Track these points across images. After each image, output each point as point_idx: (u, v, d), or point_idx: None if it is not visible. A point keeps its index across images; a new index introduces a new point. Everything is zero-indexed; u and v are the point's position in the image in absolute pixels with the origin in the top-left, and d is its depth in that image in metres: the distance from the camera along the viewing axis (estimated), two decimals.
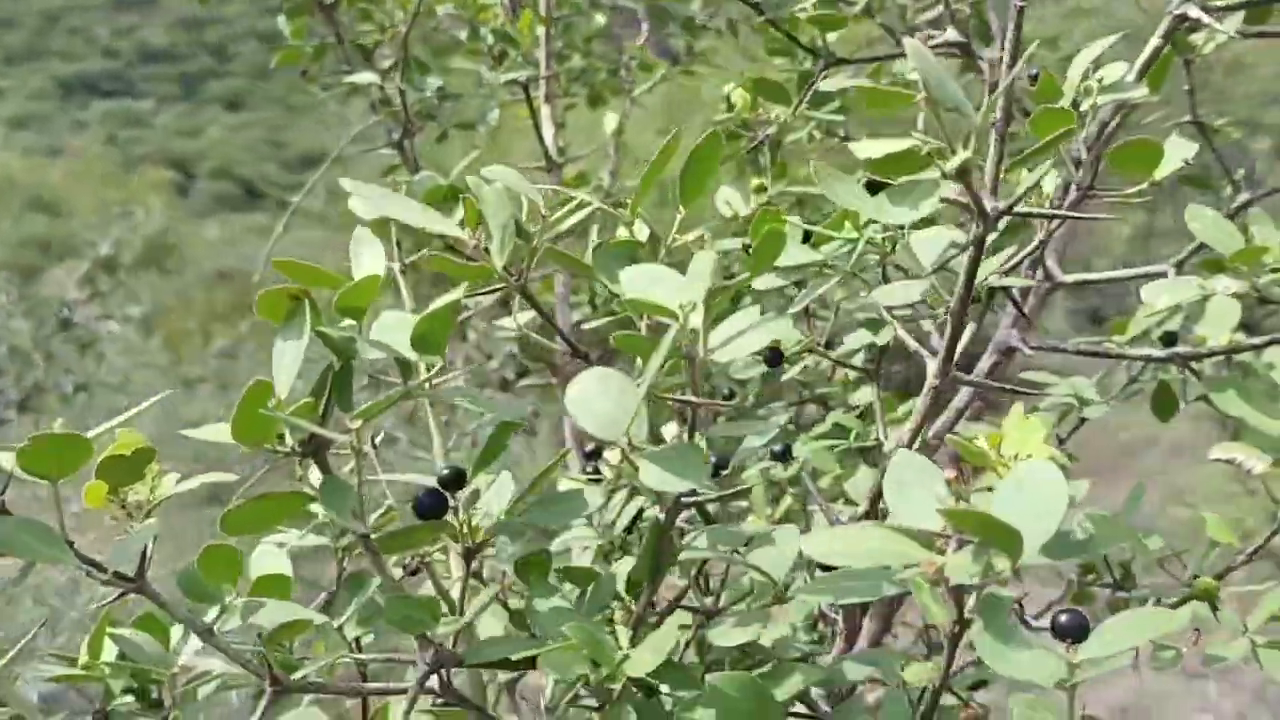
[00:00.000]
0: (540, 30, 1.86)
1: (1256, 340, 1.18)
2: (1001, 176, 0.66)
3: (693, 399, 0.60)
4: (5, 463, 0.65)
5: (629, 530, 0.79)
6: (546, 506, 0.71)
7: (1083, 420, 1.37)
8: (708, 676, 0.59)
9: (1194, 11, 1.12)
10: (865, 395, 1.21)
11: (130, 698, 1.00)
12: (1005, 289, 1.11)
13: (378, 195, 0.65)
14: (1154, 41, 1.14)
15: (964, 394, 1.31)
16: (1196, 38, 1.28)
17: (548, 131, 1.90)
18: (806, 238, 0.94)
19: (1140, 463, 10.76)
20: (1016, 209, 0.64)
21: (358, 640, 0.76)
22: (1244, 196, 1.34)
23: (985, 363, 1.26)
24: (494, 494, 0.73)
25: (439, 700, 0.68)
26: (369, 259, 0.67)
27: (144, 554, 0.68)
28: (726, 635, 0.62)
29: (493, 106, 1.72)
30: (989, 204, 0.64)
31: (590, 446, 1.14)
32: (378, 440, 0.90)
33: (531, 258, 0.67)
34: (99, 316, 6.82)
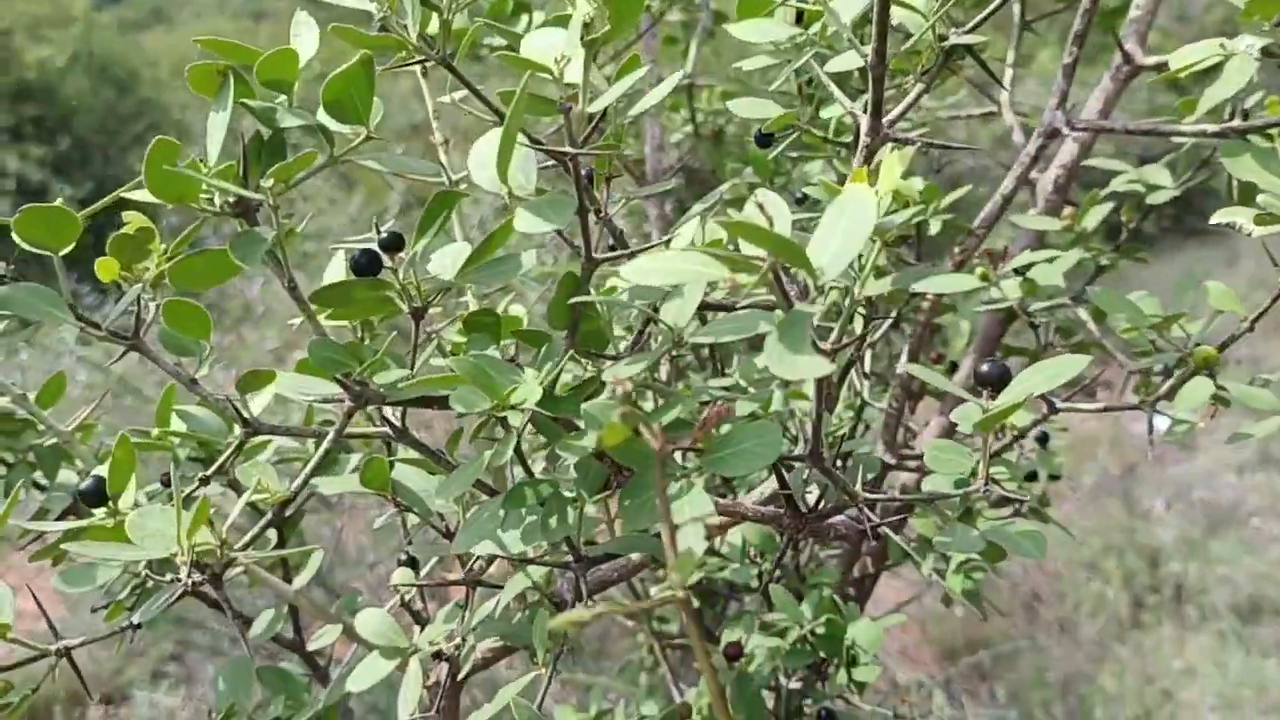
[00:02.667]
0: None
1: None
2: None
3: (567, 149, 0.64)
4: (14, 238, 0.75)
5: None
6: (488, 267, 0.77)
7: (1149, 209, 1.32)
8: (583, 405, 0.65)
9: None
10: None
11: (198, 465, 1.15)
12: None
13: None
14: None
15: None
16: None
17: None
18: (799, 18, 0.94)
19: None
20: None
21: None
22: None
23: (1030, 147, 1.23)
24: (448, 258, 0.79)
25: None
26: (305, 39, 0.73)
27: (139, 314, 0.78)
28: (616, 371, 0.67)
29: None
30: None
31: None
32: None
33: (448, 31, 0.71)
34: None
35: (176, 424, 0.99)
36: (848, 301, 0.63)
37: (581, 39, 0.63)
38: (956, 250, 1.26)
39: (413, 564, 1.02)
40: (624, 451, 0.62)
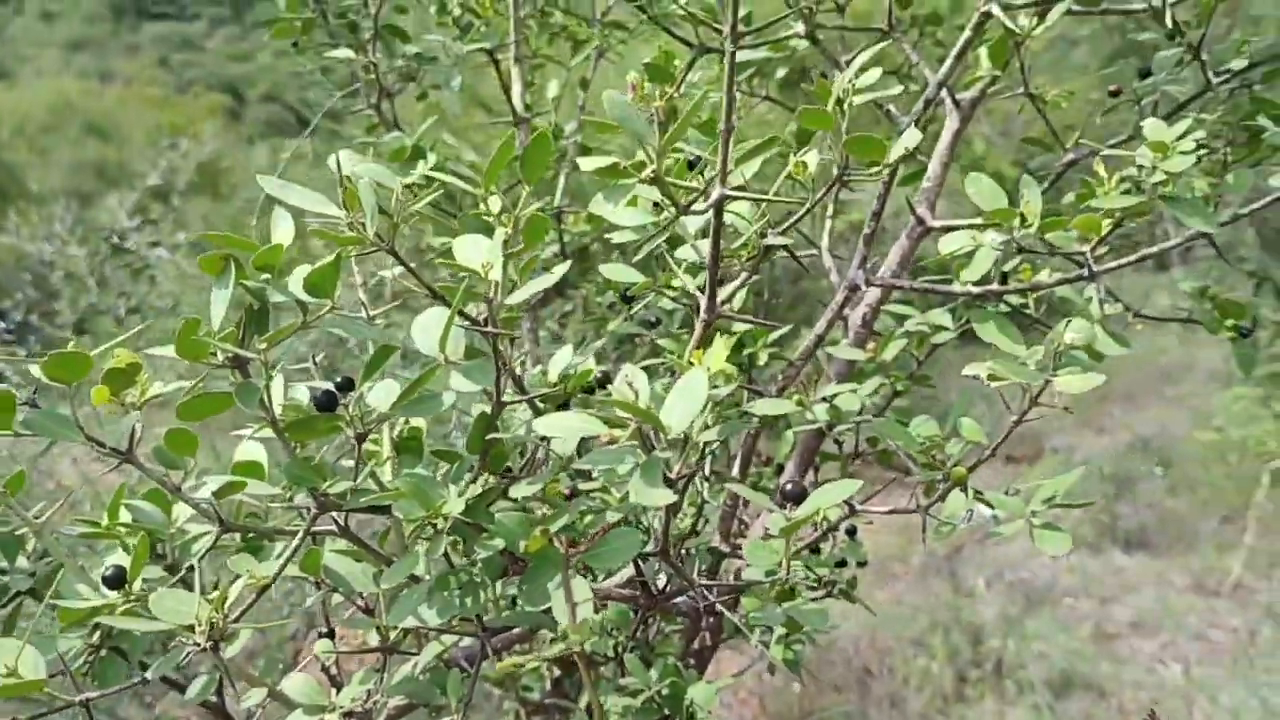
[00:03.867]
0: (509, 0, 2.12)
1: (1049, 280, 1.45)
2: (730, 167, 0.93)
3: (489, 329, 0.89)
4: (36, 372, 0.95)
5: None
6: (414, 404, 1.00)
7: (935, 346, 1.64)
8: (497, 515, 0.88)
9: (995, 9, 1.37)
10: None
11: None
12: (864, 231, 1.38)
13: (280, 185, 0.93)
14: (966, 34, 1.39)
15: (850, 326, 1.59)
16: (1023, 24, 1.51)
17: (516, 89, 2.17)
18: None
19: (1176, 388, 10.97)
20: (729, 192, 0.91)
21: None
22: (1069, 156, 1.59)
23: (839, 296, 1.52)
24: (382, 395, 1.02)
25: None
26: (283, 231, 0.96)
27: (132, 434, 0.98)
28: (520, 489, 0.91)
29: (456, 74, 1.98)
30: (716, 191, 0.92)
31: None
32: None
33: (394, 230, 0.95)
34: (150, 243, 7.18)
35: (125, 516, 1.19)
36: (688, 445, 0.89)
37: (502, 251, 0.88)
38: (780, 376, 1.55)
39: (331, 636, 1.23)
40: (537, 555, 0.87)
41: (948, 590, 7.26)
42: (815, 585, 1.65)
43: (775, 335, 1.53)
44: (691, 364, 0.89)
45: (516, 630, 1.05)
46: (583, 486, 1.11)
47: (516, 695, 1.80)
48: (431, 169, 1.49)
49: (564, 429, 0.78)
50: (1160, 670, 6.45)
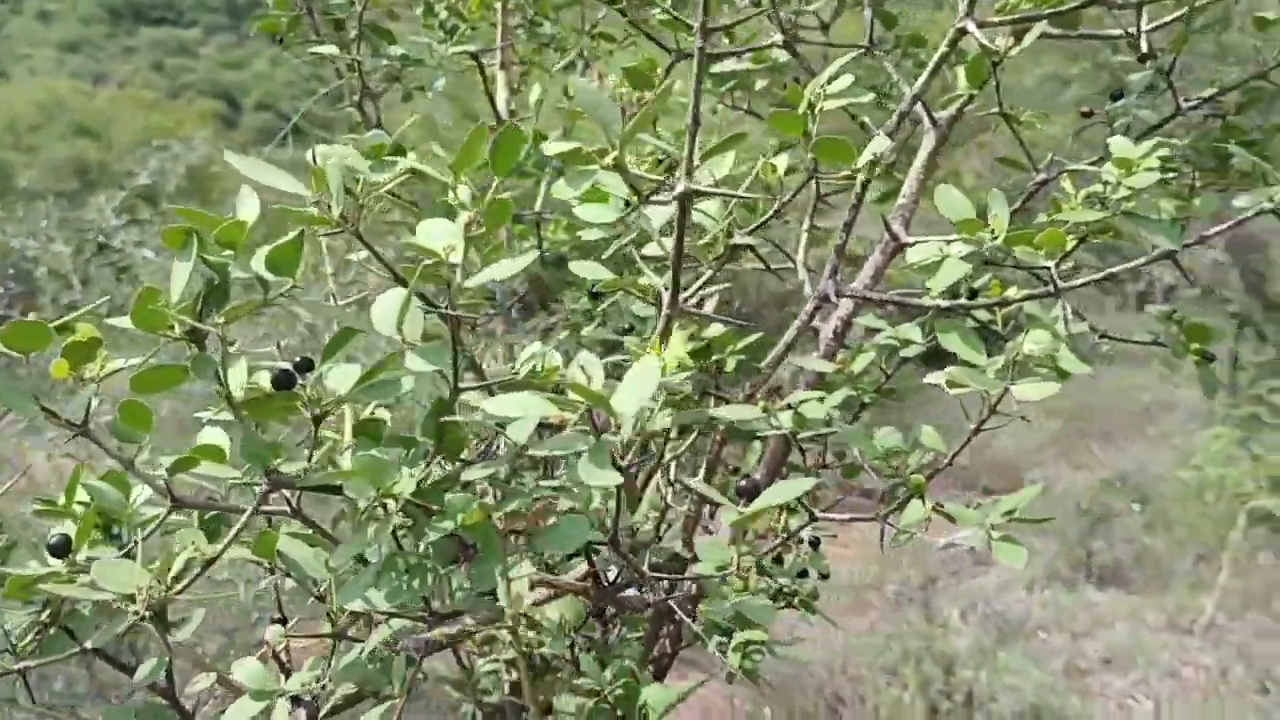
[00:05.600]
0: (497, 3, 2.14)
1: (1017, 295, 1.46)
2: (697, 162, 0.94)
3: (449, 311, 0.89)
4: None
5: None
6: (373, 387, 1.00)
7: (904, 360, 1.65)
8: (447, 496, 0.89)
9: (971, 26, 1.38)
10: None
11: (97, 533, 1.32)
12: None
13: (250, 163, 0.94)
14: (941, 49, 1.41)
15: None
16: (1000, 43, 1.53)
17: (501, 95, 2.18)
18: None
19: (1157, 425, 11.06)
20: (694, 187, 0.92)
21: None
22: (1041, 176, 1.60)
23: (809, 306, 1.53)
24: (341, 377, 1.02)
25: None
26: (248, 208, 0.96)
27: (88, 407, 0.98)
28: (473, 472, 0.91)
29: (439, 76, 1.99)
30: (681, 185, 0.92)
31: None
32: None
33: (360, 211, 0.95)
34: (135, 243, 7.17)
35: (82, 495, 1.18)
36: (640, 431, 0.89)
37: (464, 234, 0.89)
38: (748, 384, 1.55)
39: (283, 623, 1.22)
40: (475, 531, 0.87)
41: (922, 620, 7.26)
42: (775, 595, 1.65)
43: (745, 343, 1.54)
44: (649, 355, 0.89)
45: (472, 621, 1.05)
46: (544, 485, 1.11)
47: (475, 699, 1.79)
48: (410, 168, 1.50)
49: (514, 409, 0.78)
50: (1131, 706, 6.47)
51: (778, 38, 1.34)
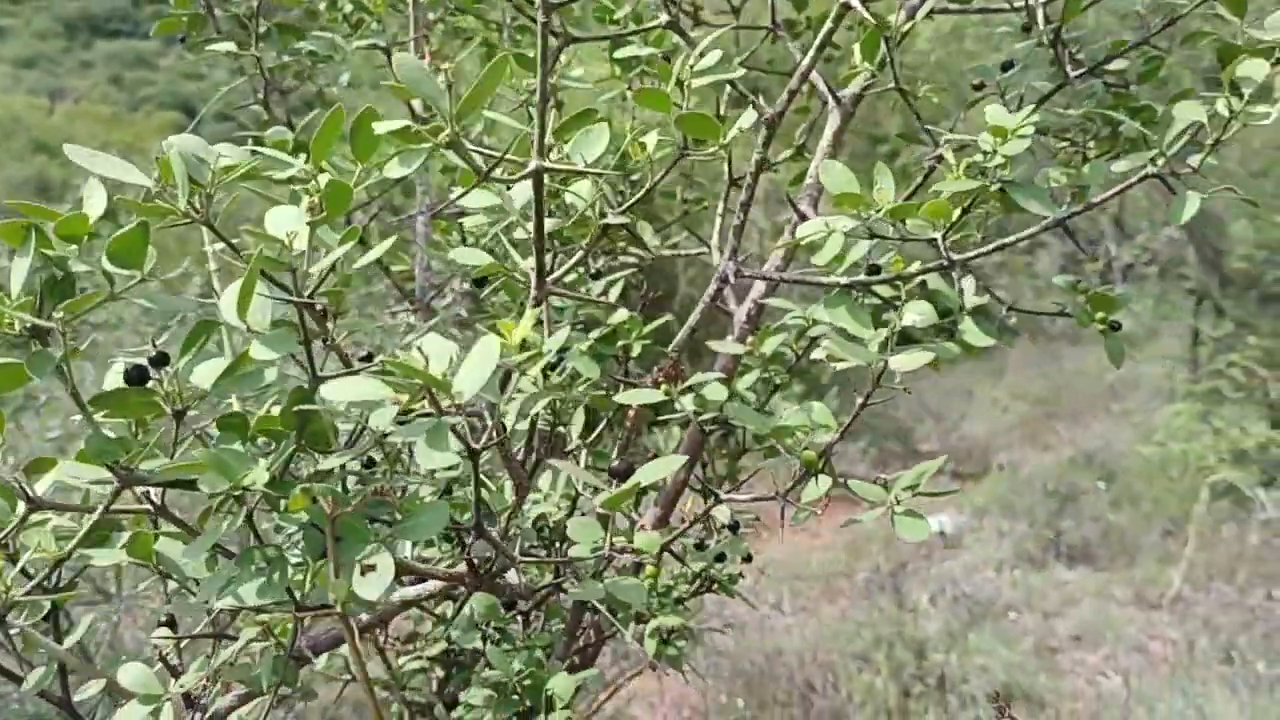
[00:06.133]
0: None
1: (914, 269, 1.45)
2: (549, 140, 0.93)
3: (293, 299, 0.88)
4: None
5: None
6: (235, 380, 0.99)
7: (813, 340, 1.64)
8: (301, 486, 0.87)
9: (854, 2, 1.38)
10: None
11: None
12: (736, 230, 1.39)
13: (87, 154, 0.92)
14: (826, 25, 1.40)
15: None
16: (893, 19, 1.53)
17: None
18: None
19: (1121, 403, 11.14)
20: (546, 164, 0.91)
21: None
22: (938, 151, 1.60)
23: (712, 288, 1.53)
24: (204, 372, 1.00)
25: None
26: (94, 202, 0.95)
27: None
28: (329, 461, 0.90)
29: (344, 71, 1.97)
30: (533, 163, 0.92)
31: None
32: None
33: (210, 200, 0.94)
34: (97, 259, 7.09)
35: None
36: (495, 414, 0.88)
37: (307, 220, 0.87)
38: (655, 369, 1.54)
39: (171, 624, 1.20)
40: (331, 521, 0.86)
41: (892, 606, 7.29)
42: (693, 580, 1.65)
43: (650, 327, 1.53)
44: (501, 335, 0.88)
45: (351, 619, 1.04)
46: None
47: (402, 697, 1.78)
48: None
49: (351, 393, 0.77)
50: (1101, 682, 6.51)
51: (663, 18, 1.33)
